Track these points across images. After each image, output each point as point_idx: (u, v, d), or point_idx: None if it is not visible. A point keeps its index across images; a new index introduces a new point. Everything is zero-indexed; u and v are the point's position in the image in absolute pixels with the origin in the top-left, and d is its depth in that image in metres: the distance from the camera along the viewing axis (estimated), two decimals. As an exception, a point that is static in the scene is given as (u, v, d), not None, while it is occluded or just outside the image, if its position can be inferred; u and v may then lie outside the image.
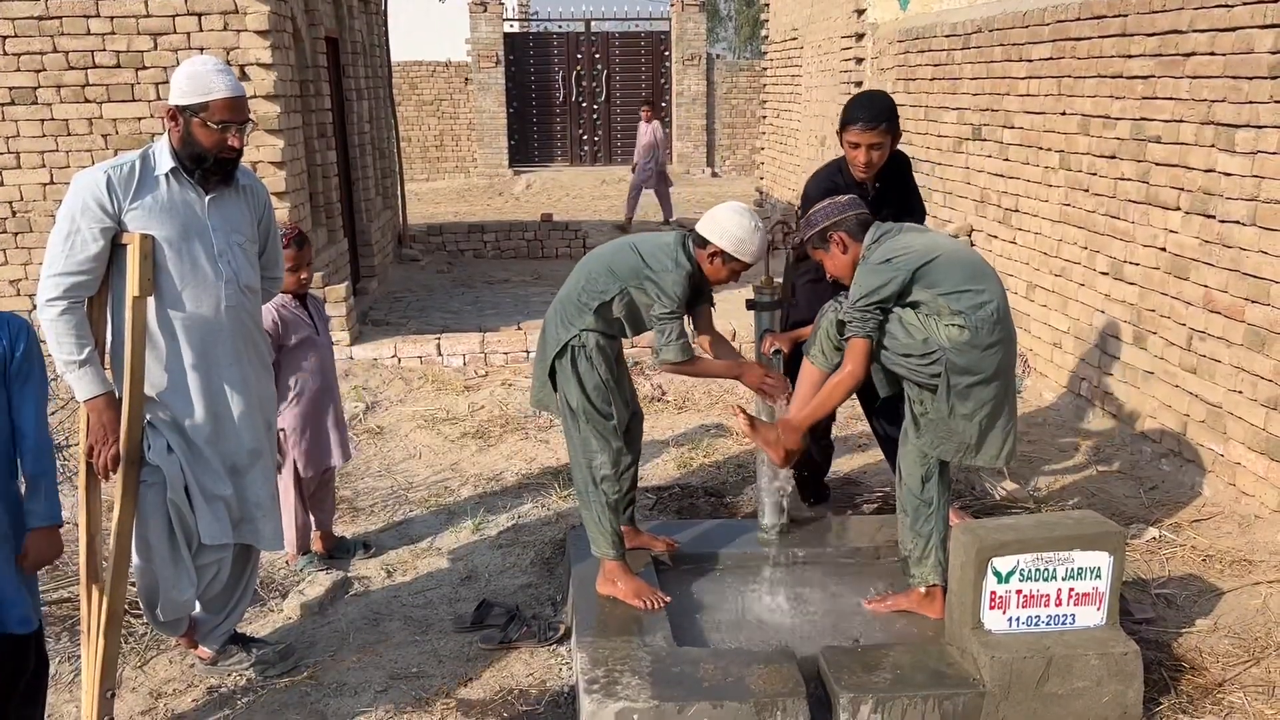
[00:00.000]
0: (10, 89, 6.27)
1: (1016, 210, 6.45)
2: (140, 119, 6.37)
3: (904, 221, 4.08)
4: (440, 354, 6.88)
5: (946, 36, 7.47)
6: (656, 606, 3.44)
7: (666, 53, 20.06)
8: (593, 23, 20.21)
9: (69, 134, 6.37)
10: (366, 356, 6.80)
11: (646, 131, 13.01)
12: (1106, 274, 5.41)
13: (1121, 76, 5.21)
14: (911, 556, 3.47)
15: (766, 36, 13.84)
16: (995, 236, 6.76)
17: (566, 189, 18.51)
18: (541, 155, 20.49)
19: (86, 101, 6.33)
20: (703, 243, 3.41)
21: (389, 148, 10.63)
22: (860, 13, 9.55)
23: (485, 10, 19.17)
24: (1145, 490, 4.63)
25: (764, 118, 14.07)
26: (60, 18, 6.19)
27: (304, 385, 4.04)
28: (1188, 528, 4.25)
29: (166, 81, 6.32)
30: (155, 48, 6.28)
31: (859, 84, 9.65)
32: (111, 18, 6.22)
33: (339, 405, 4.21)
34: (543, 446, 5.47)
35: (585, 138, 20.53)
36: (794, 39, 12.36)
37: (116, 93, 6.33)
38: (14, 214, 6.47)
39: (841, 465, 5.04)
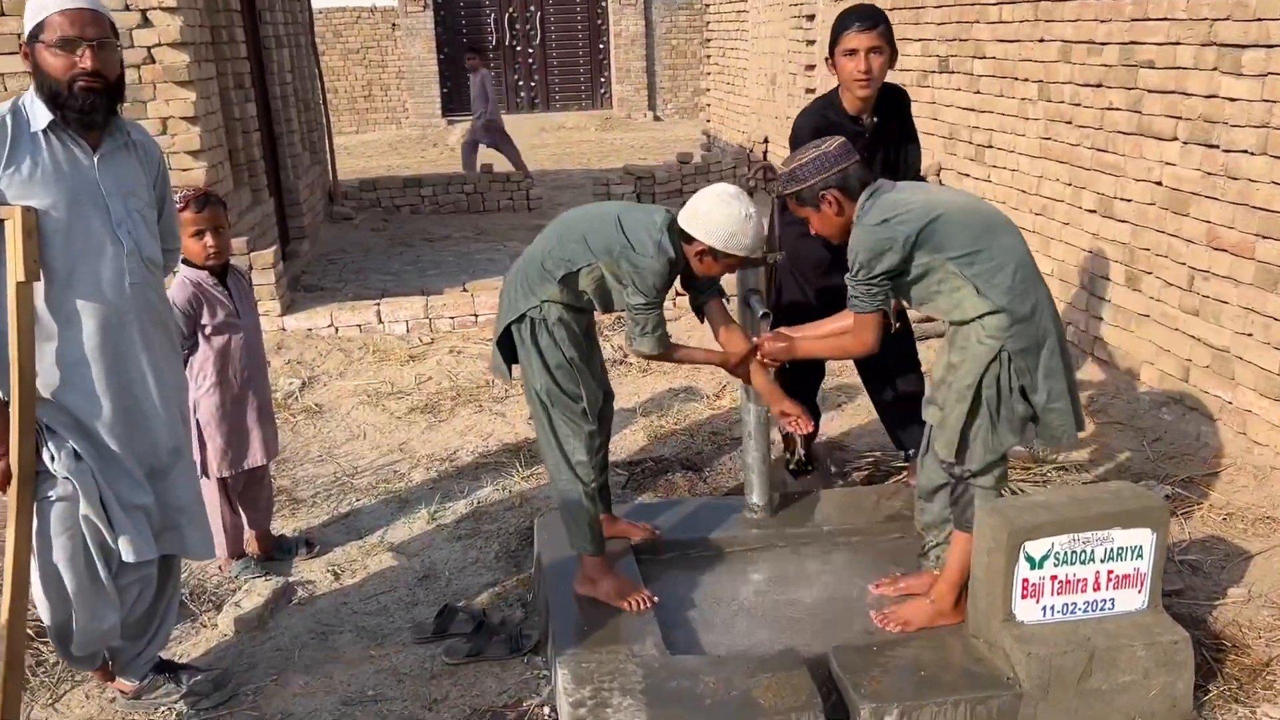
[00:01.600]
0: (-121, 42, 5.58)
1: (990, 146, 6.09)
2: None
3: (904, 161, 3.71)
4: (381, 321, 6.38)
5: (907, -38, 7.04)
6: (643, 607, 3.06)
7: (602, -8, 19.37)
8: (522, -38, 19.41)
9: (-46, 92, 5.71)
10: (300, 327, 6.28)
11: (475, 82, 11.97)
12: (1094, 211, 5.08)
13: (1108, -3, 4.83)
14: (929, 537, 3.12)
15: (708, -29, 13.28)
16: (967, 175, 6.40)
17: (504, 138, 17.83)
18: (476, 103, 19.72)
19: (-29, 55, 5.66)
20: (688, 238, 2.97)
21: (314, 99, 9.97)
22: (810, -59, 9.07)
23: (410, -49, 18.29)
24: (1149, 443, 4.34)
25: (708, 57, 13.56)
26: (-67, -39, 5.51)
27: (223, 373, 3.55)
28: (1200, 483, 3.97)
29: (59, 30, 5.67)
30: (43, -8, 5.61)
31: (811, 17, 9.19)
32: (-8, -39, 5.54)
33: (265, 396, 3.73)
34: (499, 420, 5.04)
35: (521, 83, 19.81)
36: (738, -28, 11.83)
37: (6, 44, 5.66)
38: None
39: (823, 428, 4.68)
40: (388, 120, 19.29)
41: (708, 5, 13.44)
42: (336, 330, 6.34)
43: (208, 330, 3.54)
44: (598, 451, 3.24)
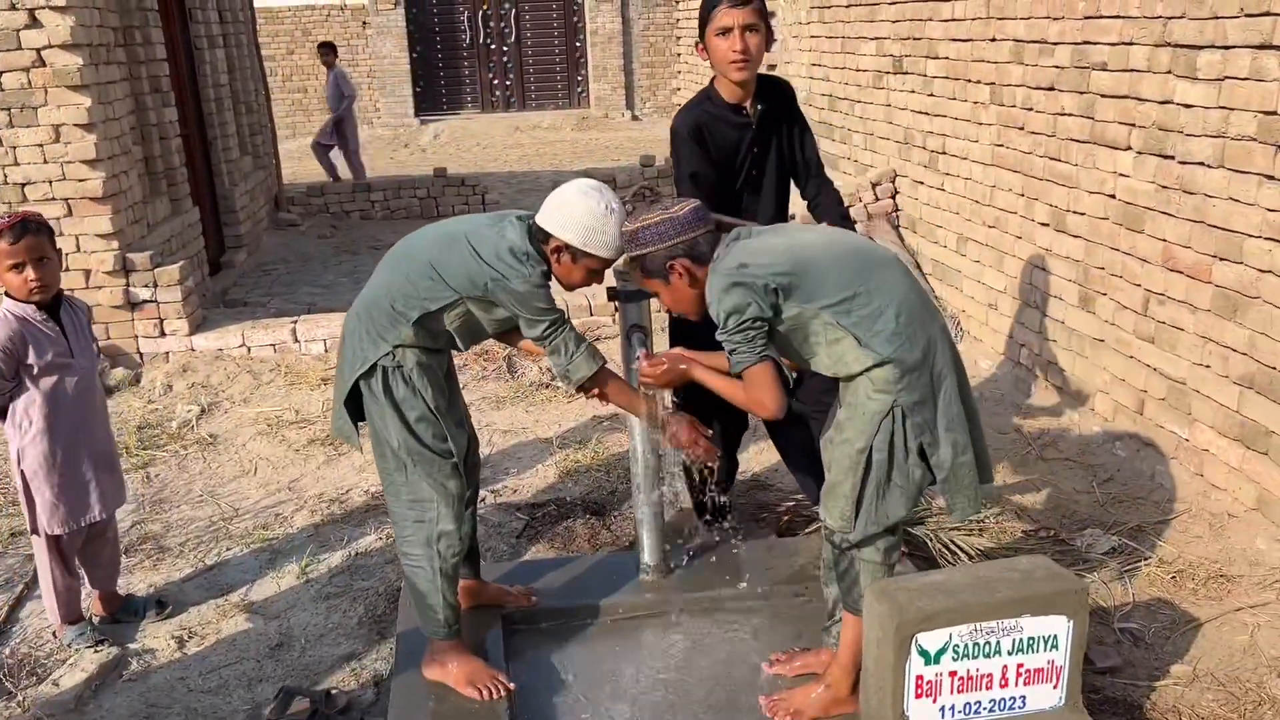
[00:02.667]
0: None
1: (943, 153, 5.70)
2: (-90, 78, 5.32)
3: (800, 151, 3.33)
4: (297, 340, 5.99)
5: (862, -44, 6.64)
6: (496, 695, 2.67)
7: (578, -11, 18.95)
8: (498, -42, 18.98)
9: None
10: (210, 347, 5.88)
11: (330, 80, 11.50)
12: (1047, 225, 4.69)
13: (1059, -7, 4.44)
14: (833, 608, 2.73)
15: (677, -34, 12.87)
16: (921, 183, 6.01)
17: (477, 138, 17.42)
18: (450, 102, 19.31)
19: None
20: (544, 236, 2.59)
21: (257, 101, 9.56)
22: (770, -65, 8.66)
23: (380, -53, 17.86)
24: (1099, 483, 3.96)
25: (679, 55, 13.15)
26: None
27: (51, 418, 3.16)
28: (1151, 532, 3.58)
29: (-61, 31, 5.28)
30: (-79, -9, 5.22)
31: (772, 14, 8.77)
32: None
33: (105, 442, 3.33)
34: (402, 453, 4.64)
35: (496, 82, 19.38)
36: (704, -32, 11.41)
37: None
38: None
39: (746, 463, 4.29)
40: (360, 120, 18.84)
41: (678, 2, 13.04)
42: (249, 350, 5.94)
43: (35, 371, 3.14)
44: (466, 519, 2.86)
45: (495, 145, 16.80)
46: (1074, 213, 4.46)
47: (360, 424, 2.77)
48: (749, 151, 3.22)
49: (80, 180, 5.56)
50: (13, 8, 5.30)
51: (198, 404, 5.28)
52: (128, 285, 5.73)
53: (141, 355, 5.84)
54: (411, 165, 14.88)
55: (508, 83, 19.38)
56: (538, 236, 2.60)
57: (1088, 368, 4.45)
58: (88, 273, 5.68)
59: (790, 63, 8.34)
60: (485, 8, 18.82)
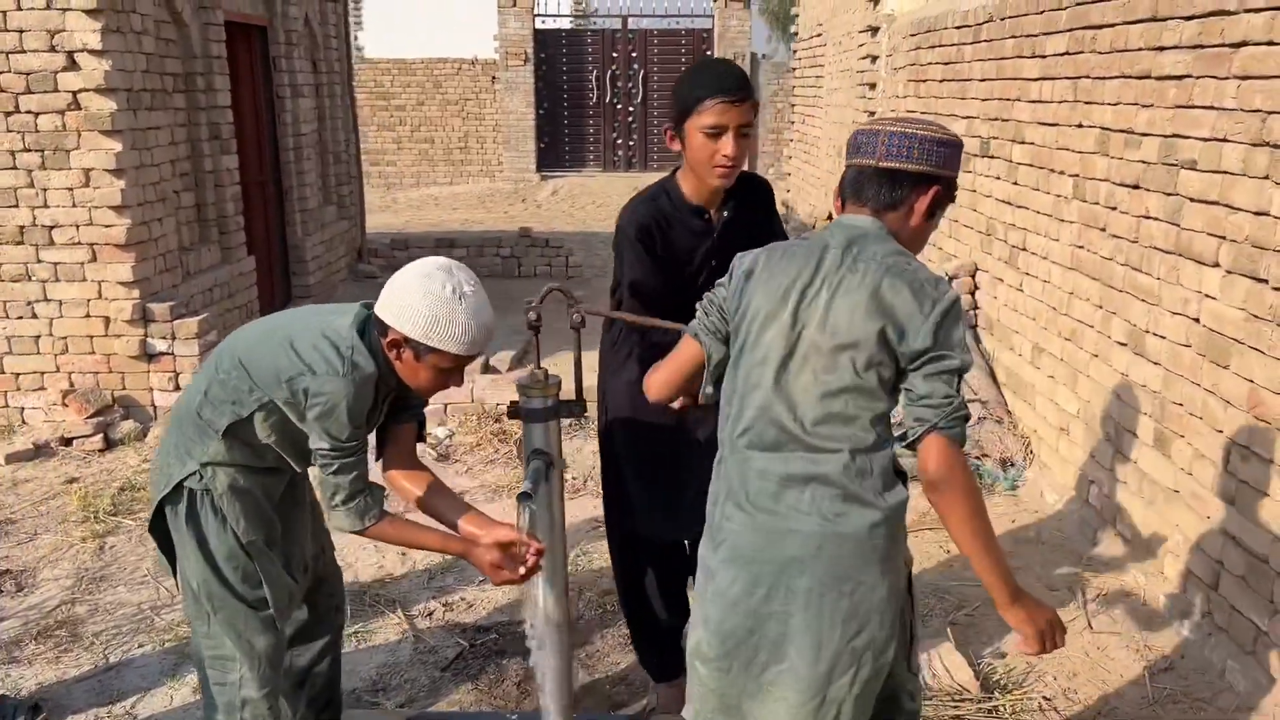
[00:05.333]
0: None
1: (1024, 249, 5.02)
2: (-47, 115, 5.30)
3: None
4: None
5: (957, 28, 6.04)
6: None
7: (709, 51, 18.68)
8: (630, 19, 18.94)
9: None
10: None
11: None
12: (1124, 345, 3.98)
13: (1149, 77, 3.77)
14: None
15: (796, 33, 12.45)
16: (1001, 280, 5.33)
17: (594, 195, 17.27)
18: (573, 159, 19.28)
19: (-111, 94, 5.28)
20: (383, 328, 2.14)
21: (346, 152, 9.51)
22: (874, 1, 8.14)
23: (514, 5, 18.02)
24: (1154, 672, 3.21)
25: (792, 123, 12.67)
26: None
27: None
28: (1206, 753, 2.83)
29: (-20, 71, 5.25)
30: (-34, 30, 5.20)
31: (872, 86, 8.23)
32: (-84, -7, 5.15)
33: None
34: (364, 547, 4.22)
35: (620, 141, 19.26)
36: (819, 35, 10.95)
37: (-74, 84, 5.26)
38: None
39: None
40: (482, 173, 19.01)
41: (793, 69, 12.60)
42: (263, 412, 5.66)
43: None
44: (298, 674, 2.40)
45: (610, 204, 16.59)
46: (1153, 334, 3.75)
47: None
48: (705, 263, 2.68)
49: (106, 226, 5.43)
50: (52, 49, 5.23)
51: (187, 468, 5.00)
52: (145, 336, 5.55)
53: (155, 409, 5.64)
54: (524, 219, 14.78)
55: (630, 143, 19.23)
56: (378, 329, 2.14)
57: (1159, 521, 3.70)
58: (107, 320, 5.52)
59: (887, 138, 7.73)
60: (614, 68, 18.78)
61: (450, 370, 2.16)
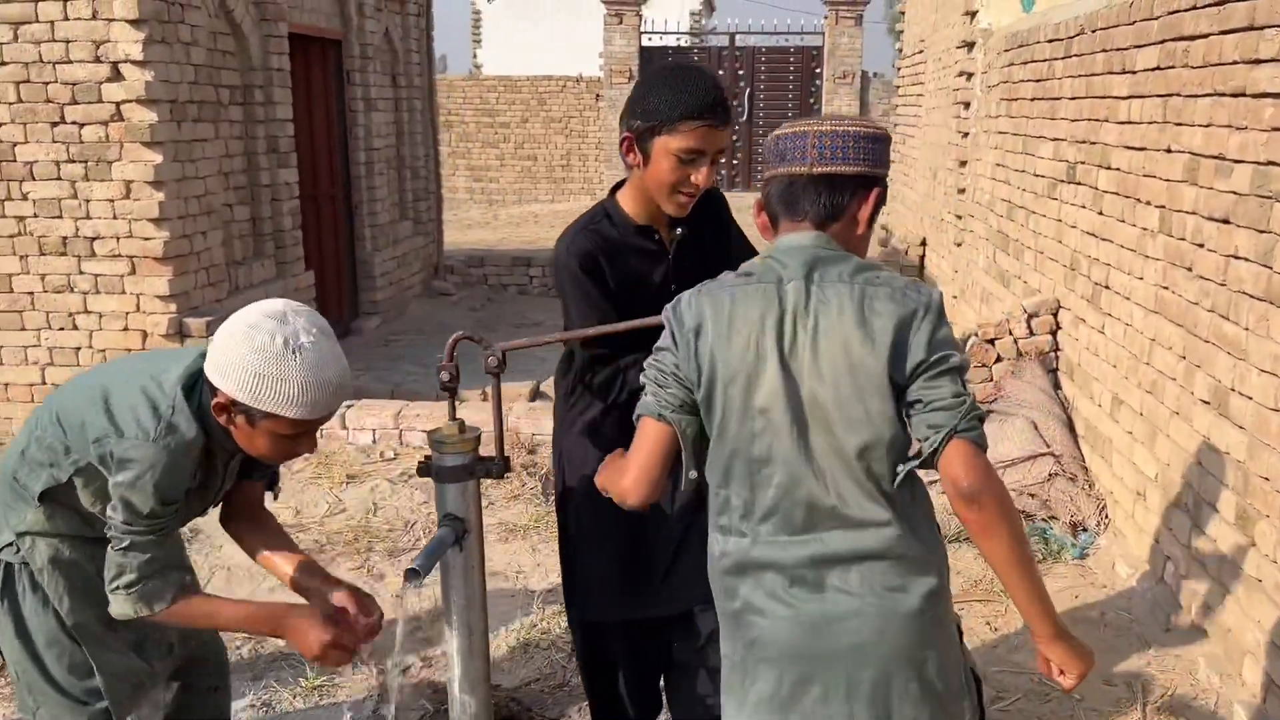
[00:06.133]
0: None
1: (1106, 286, 4.48)
2: (1, 124, 5.30)
3: None
4: (345, 427, 5.50)
5: (1049, 42, 5.52)
6: None
7: (818, 70, 18.19)
8: (738, 37, 18.58)
9: (-68, 145, 5.38)
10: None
11: None
12: (1208, 404, 3.43)
13: (1244, 94, 3.25)
14: None
15: (901, 50, 11.90)
16: (1083, 320, 4.78)
17: (693, 216, 16.97)
18: (675, 178, 18.99)
19: (-54, 107, 5.32)
20: (212, 386, 1.84)
21: (426, 167, 9.41)
22: (971, 15, 7.61)
23: (620, 22, 17.88)
24: (1214, 803, 2.69)
25: (895, 143, 12.11)
26: (-84, 5, 5.21)
27: None
28: None
29: (28, 80, 5.24)
30: (15, 39, 5.20)
31: (967, 104, 7.70)
32: (-31, 5, 5.18)
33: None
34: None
35: (724, 161, 18.91)
36: (920, 51, 10.41)
37: (-23, 96, 5.28)
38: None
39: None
40: (583, 190, 18.90)
41: (897, 87, 12.06)
42: (295, 433, 5.50)
43: None
44: None
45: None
46: (1239, 394, 3.21)
47: None
48: (664, 288, 2.33)
49: (145, 239, 5.36)
50: (97, 60, 5.18)
51: (203, 490, 4.86)
52: (181, 351, 5.45)
53: (190, 425, 5.53)
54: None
55: (734, 162, 18.86)
56: (209, 387, 1.85)
57: (1238, 614, 3.15)
58: (145, 334, 5.45)
59: (980, 159, 7.21)
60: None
61: (294, 437, 1.84)
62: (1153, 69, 4.03)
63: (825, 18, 17.84)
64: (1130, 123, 4.25)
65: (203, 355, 1.89)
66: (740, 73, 18.45)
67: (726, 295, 1.71)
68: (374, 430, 5.48)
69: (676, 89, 2.20)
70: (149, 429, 1.80)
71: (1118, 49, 4.42)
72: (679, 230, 2.33)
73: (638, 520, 2.43)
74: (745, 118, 18.57)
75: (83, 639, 1.96)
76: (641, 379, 1.82)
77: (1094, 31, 4.75)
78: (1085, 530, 4.28)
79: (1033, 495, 4.38)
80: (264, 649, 3.54)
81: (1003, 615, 3.74)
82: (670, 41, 18.55)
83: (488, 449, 2.28)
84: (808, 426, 1.63)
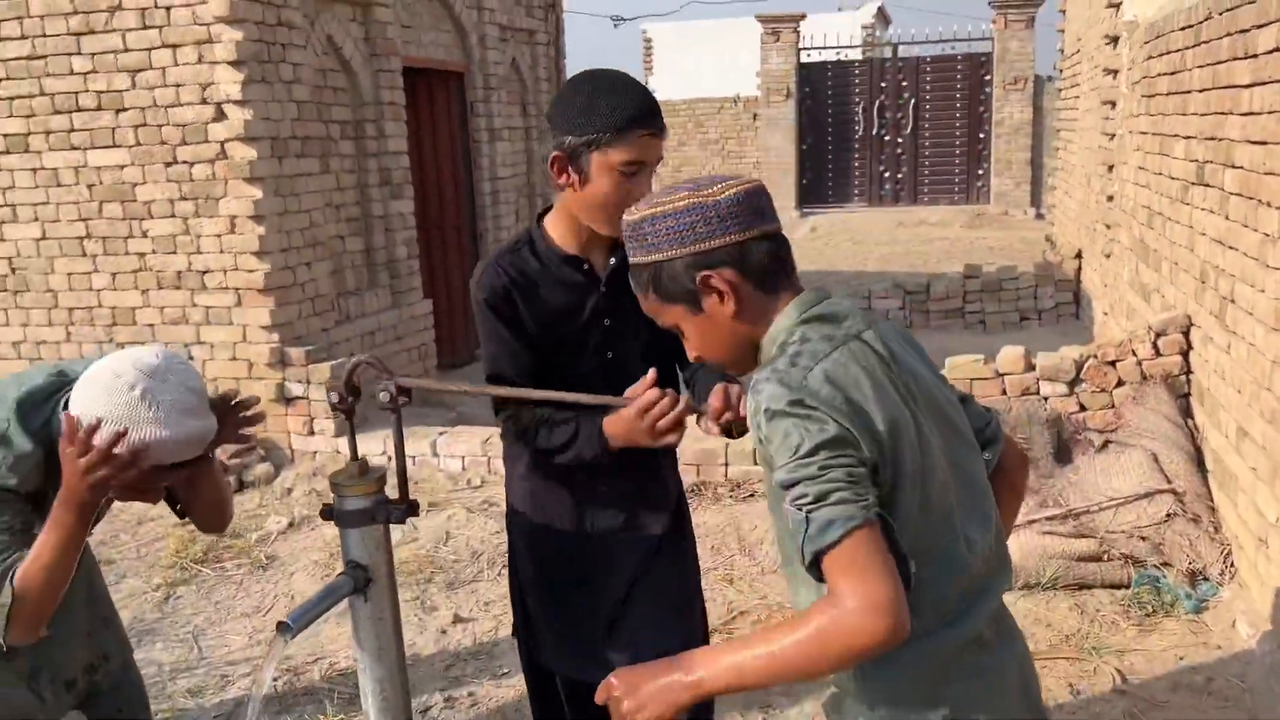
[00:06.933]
0: (4, 135, 5.76)
1: (1232, 300, 3.95)
2: (122, 167, 5.62)
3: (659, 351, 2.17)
4: (436, 454, 5.52)
5: (1181, 29, 4.97)
6: None
7: (987, 76, 17.35)
8: (901, 47, 17.97)
9: (58, 184, 5.76)
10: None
11: None
12: (1326, 438, 2.93)
13: (1357, 73, 2.76)
14: None
15: (1062, 50, 11.15)
16: (1211, 339, 4.24)
17: (853, 233, 16.46)
18: (836, 195, 18.50)
19: (73, 149, 5.68)
20: None
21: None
22: (1115, 8, 7.00)
23: (777, 40, 17.62)
24: None
25: (1056, 150, 11.37)
26: (45, 57, 5.59)
27: None
28: None
29: (145, 124, 5.53)
30: (133, 85, 5.50)
31: (1113, 104, 7.08)
32: (92, 54, 5.52)
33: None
34: (409, 624, 3.91)
35: (887, 175, 18.26)
36: (1078, 51, 9.71)
37: (99, 138, 5.62)
38: (13, 271, 5.97)
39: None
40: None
41: (1060, 90, 11.31)
42: (389, 459, 5.56)
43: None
44: None
45: (868, 241, 15.74)
46: (1355, 427, 2.71)
47: None
48: (595, 323, 2.13)
49: (249, 271, 5.55)
50: (203, 101, 5.42)
51: (288, 516, 4.95)
52: (283, 379, 5.61)
53: (293, 452, 5.68)
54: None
55: (899, 175, 18.21)
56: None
57: (1354, 691, 2.65)
58: (250, 364, 5.64)
59: (1125, 163, 6.60)
60: (883, 99, 17.89)
61: (155, 478, 1.75)
62: (1273, 49, 3.52)
63: (993, 21, 17.02)
64: (1252, 114, 3.73)
65: (60, 375, 1.85)
66: (904, 84, 17.84)
67: (853, 382, 1.42)
68: (463, 457, 5.46)
69: (610, 98, 2.00)
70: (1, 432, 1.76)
71: (1240, 31, 3.90)
72: (613, 259, 2.12)
73: (586, 574, 2.26)
74: (910, 130, 17.92)
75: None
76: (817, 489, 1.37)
77: (1221, 14, 4.22)
78: (1206, 580, 3.76)
79: (1144, 538, 3.88)
80: (298, 682, 3.53)
81: (1091, 676, 3.30)
82: (830, 56, 18.13)
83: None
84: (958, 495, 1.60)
